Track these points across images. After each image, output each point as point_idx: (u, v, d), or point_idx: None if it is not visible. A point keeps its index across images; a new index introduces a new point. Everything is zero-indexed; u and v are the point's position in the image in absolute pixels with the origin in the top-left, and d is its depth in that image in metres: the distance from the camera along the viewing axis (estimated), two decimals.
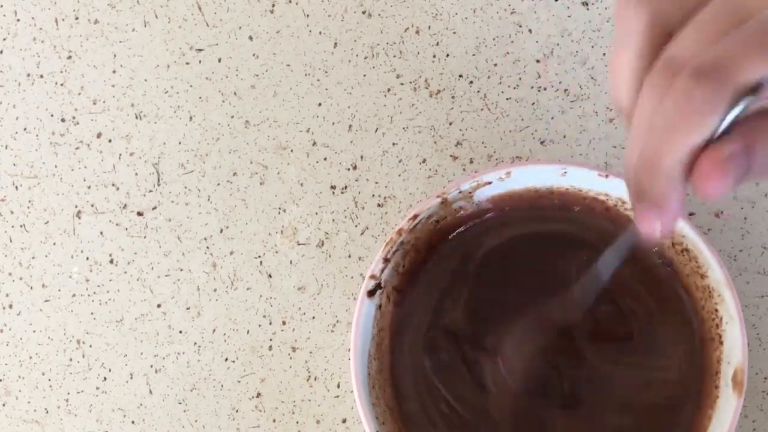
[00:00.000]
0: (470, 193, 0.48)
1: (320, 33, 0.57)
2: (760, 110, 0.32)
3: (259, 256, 0.54)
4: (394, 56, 0.56)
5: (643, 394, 0.47)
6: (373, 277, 0.47)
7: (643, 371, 0.47)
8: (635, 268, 0.48)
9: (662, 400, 0.47)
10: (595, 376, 0.47)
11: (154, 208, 0.55)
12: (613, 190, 0.48)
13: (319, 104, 0.56)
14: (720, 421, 0.44)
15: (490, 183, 0.48)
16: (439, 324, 0.49)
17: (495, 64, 0.56)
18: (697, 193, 0.32)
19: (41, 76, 0.57)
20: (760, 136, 0.32)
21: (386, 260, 0.48)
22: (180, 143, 0.56)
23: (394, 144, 0.55)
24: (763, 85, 0.30)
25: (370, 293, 0.47)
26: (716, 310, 0.46)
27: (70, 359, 0.54)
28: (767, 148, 0.32)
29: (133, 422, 0.53)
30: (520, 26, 0.56)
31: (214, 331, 0.53)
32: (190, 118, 0.56)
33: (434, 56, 0.56)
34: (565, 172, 0.48)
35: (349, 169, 0.55)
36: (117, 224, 0.55)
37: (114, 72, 0.57)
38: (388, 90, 0.56)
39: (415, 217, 0.48)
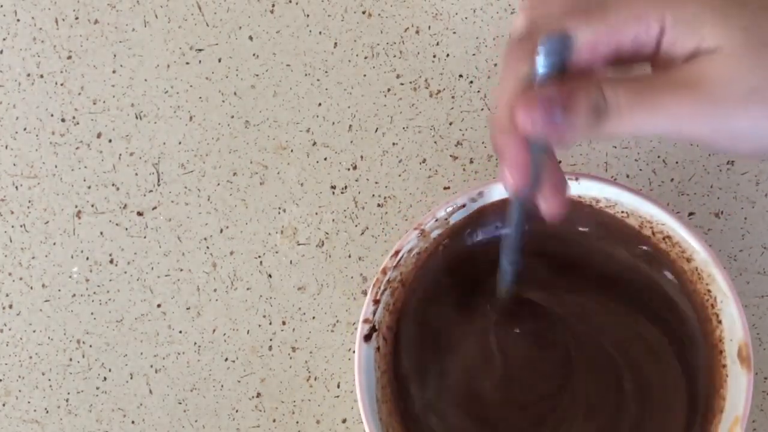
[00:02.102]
0: (446, 219, 0.48)
1: (320, 33, 0.57)
2: (584, 71, 0.38)
3: (259, 256, 0.54)
4: (394, 56, 0.56)
5: (654, 386, 0.48)
6: (366, 321, 0.47)
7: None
8: (620, 264, 0.49)
9: (671, 390, 0.47)
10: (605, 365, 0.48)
11: (154, 208, 0.55)
12: (586, 191, 0.48)
13: (319, 104, 0.56)
14: (734, 399, 0.45)
15: (463, 206, 0.48)
16: (441, 360, 0.49)
17: (495, 64, 0.56)
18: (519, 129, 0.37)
19: (41, 76, 0.57)
20: (579, 85, 0.37)
21: (376, 302, 0.47)
22: (180, 143, 0.56)
23: (394, 144, 0.55)
24: (561, 35, 0.36)
25: (367, 338, 0.47)
26: (709, 291, 0.46)
27: (70, 359, 0.54)
28: (586, 98, 0.37)
29: (133, 422, 0.53)
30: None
31: (214, 331, 0.53)
32: (190, 118, 0.56)
33: (434, 56, 0.56)
34: None
35: (349, 169, 0.55)
36: (117, 224, 0.55)
37: (114, 72, 0.57)
38: (388, 90, 0.56)
39: (397, 253, 0.48)
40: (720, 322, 0.46)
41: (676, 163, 0.54)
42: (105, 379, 0.53)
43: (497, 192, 0.48)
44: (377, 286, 0.47)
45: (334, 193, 0.55)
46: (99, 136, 0.56)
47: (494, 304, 0.48)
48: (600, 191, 0.48)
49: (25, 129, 0.56)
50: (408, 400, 0.48)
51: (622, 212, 0.48)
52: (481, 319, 0.49)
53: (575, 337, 0.49)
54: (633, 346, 0.48)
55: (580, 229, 0.49)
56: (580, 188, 0.48)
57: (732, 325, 0.45)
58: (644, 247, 0.48)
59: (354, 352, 0.47)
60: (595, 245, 0.49)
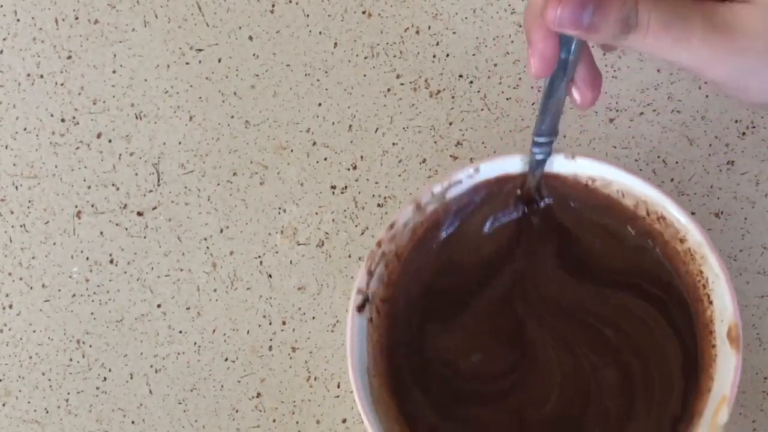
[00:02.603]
0: (443, 194, 0.48)
1: (320, 33, 0.57)
2: None
3: (259, 256, 0.54)
4: (394, 56, 0.56)
5: (642, 365, 0.48)
6: (360, 291, 0.47)
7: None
8: (615, 244, 0.49)
9: (662, 373, 0.48)
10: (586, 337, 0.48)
11: (154, 208, 0.55)
12: (582, 170, 0.48)
13: (319, 104, 0.56)
14: (722, 379, 0.45)
15: (460, 182, 0.49)
16: (431, 331, 0.49)
17: (495, 64, 0.56)
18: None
19: (41, 76, 0.57)
20: None
21: (370, 273, 0.48)
22: (180, 143, 0.56)
23: (394, 144, 0.55)
24: None
25: (360, 308, 0.47)
26: (701, 272, 0.47)
27: (70, 359, 0.54)
28: (619, 8, 0.38)
29: (133, 422, 0.53)
30: (520, 26, 0.56)
31: (214, 331, 0.53)
32: (190, 118, 0.56)
33: (434, 56, 0.56)
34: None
35: (349, 169, 0.55)
36: (117, 224, 0.55)
37: (114, 72, 0.57)
38: (388, 90, 0.56)
39: (392, 226, 0.48)
40: (711, 302, 0.46)
41: (676, 163, 0.54)
42: (105, 379, 0.53)
43: (494, 169, 0.48)
44: (372, 258, 0.48)
45: (334, 193, 0.55)
46: (99, 136, 0.56)
47: (522, 197, 0.49)
48: (596, 170, 0.48)
49: (25, 129, 0.56)
50: (399, 372, 0.48)
51: (618, 192, 0.48)
52: (476, 295, 0.49)
53: (568, 314, 0.49)
54: (628, 324, 0.48)
55: (575, 206, 0.50)
56: (577, 167, 0.48)
57: (723, 306, 0.45)
58: (638, 227, 0.49)
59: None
60: (590, 224, 0.50)
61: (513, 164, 0.48)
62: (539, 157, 0.47)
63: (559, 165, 0.48)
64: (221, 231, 0.55)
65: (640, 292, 0.49)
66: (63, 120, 0.56)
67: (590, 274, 0.49)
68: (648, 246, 0.49)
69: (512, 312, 0.49)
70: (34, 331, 0.54)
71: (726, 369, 0.44)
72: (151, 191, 0.55)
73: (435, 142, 0.55)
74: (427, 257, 0.49)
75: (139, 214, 0.55)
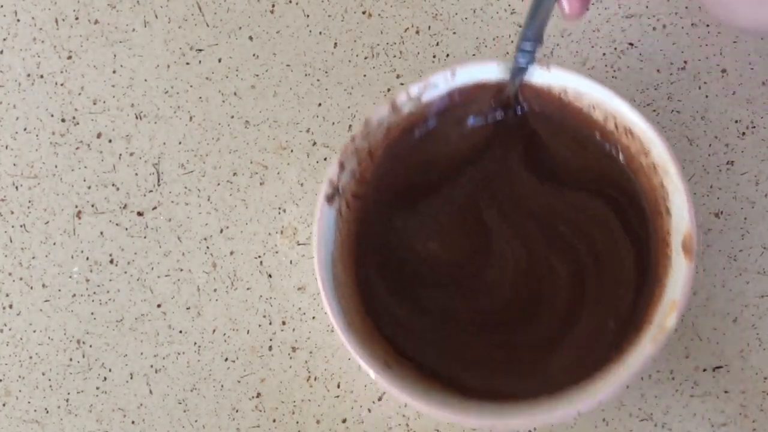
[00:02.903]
0: (419, 96, 0.49)
1: (320, 33, 0.57)
2: None
3: (259, 256, 0.54)
4: (394, 56, 0.56)
5: (595, 267, 0.49)
6: (330, 182, 0.48)
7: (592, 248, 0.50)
8: (582, 154, 0.50)
9: (616, 276, 0.49)
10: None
11: (154, 208, 0.55)
12: (556, 81, 0.49)
13: (319, 104, 0.56)
14: (673, 286, 0.46)
15: (437, 85, 0.49)
16: (398, 225, 0.50)
17: None
18: None
19: (41, 76, 0.57)
20: None
21: (342, 166, 0.49)
22: (180, 143, 0.56)
23: None
24: None
25: (329, 198, 0.48)
26: (662, 185, 0.47)
27: (70, 359, 0.54)
28: None
29: (133, 422, 0.53)
30: (520, 26, 0.56)
31: (214, 331, 0.53)
32: (190, 118, 0.56)
33: (434, 56, 0.56)
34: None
35: None
36: (117, 224, 0.55)
37: (114, 72, 0.57)
38: (388, 90, 0.56)
39: (367, 123, 0.49)
40: (669, 214, 0.47)
41: None
42: (105, 379, 0.53)
43: (471, 74, 0.49)
44: (345, 152, 0.49)
45: None
46: (99, 136, 0.56)
47: (499, 101, 0.50)
48: (569, 81, 0.49)
49: (25, 129, 0.56)
50: (364, 265, 0.49)
51: (589, 105, 0.49)
52: (444, 192, 0.51)
53: (530, 212, 0.50)
54: (586, 226, 0.49)
55: (548, 116, 0.51)
56: (551, 77, 0.49)
57: (680, 217, 0.46)
58: (607, 141, 0.50)
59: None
60: (560, 134, 0.51)
61: (490, 71, 0.49)
62: (522, 64, 0.48)
63: (535, 75, 0.49)
64: (221, 231, 0.55)
65: (601, 197, 0.50)
66: (63, 120, 0.56)
67: (556, 178, 0.50)
68: (613, 157, 0.50)
69: (476, 207, 0.50)
70: (34, 331, 0.54)
71: (678, 277, 0.46)
72: (151, 191, 0.55)
73: None
74: (400, 157, 0.50)
75: (139, 214, 0.55)
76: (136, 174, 0.56)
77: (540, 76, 0.49)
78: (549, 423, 0.50)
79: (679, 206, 0.46)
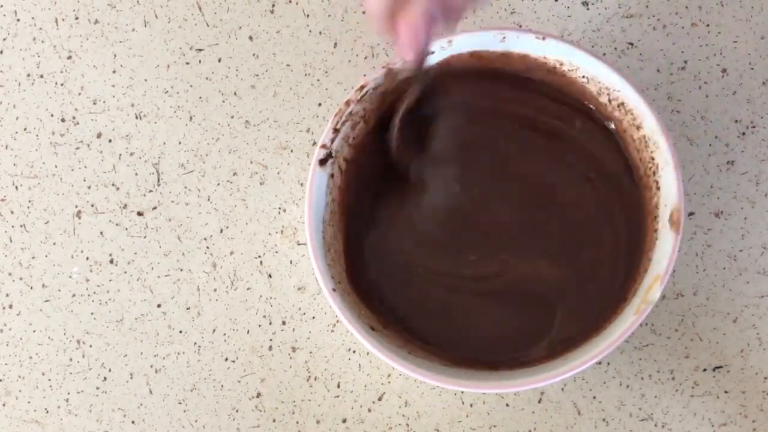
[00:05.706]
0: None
1: (320, 33, 0.57)
2: None
3: (259, 256, 0.54)
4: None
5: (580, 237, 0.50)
6: (323, 146, 0.49)
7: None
8: (579, 126, 0.51)
9: (603, 251, 0.49)
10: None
11: (154, 208, 0.55)
12: (551, 52, 0.49)
13: (319, 104, 0.56)
14: (659, 259, 0.46)
15: (433, 52, 0.49)
16: (388, 190, 0.51)
17: None
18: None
19: (41, 76, 0.57)
20: None
21: (336, 130, 0.49)
22: (180, 143, 0.56)
23: None
24: None
25: (322, 162, 0.49)
26: (652, 159, 0.48)
27: (70, 359, 0.54)
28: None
29: (133, 422, 0.53)
30: (520, 26, 0.56)
31: (214, 331, 0.53)
32: (190, 118, 0.56)
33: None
34: (504, 38, 0.50)
35: None
36: (117, 224, 0.55)
37: (114, 72, 0.57)
38: None
39: (362, 87, 0.49)
40: (659, 188, 0.47)
41: None
42: (105, 379, 0.53)
43: (467, 43, 0.50)
44: (339, 116, 0.49)
45: None
46: (99, 136, 0.56)
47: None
48: (564, 53, 0.49)
49: (25, 129, 0.56)
50: (354, 228, 0.50)
51: (583, 77, 0.50)
52: (437, 163, 0.51)
53: (523, 177, 0.51)
54: (581, 202, 0.50)
55: (541, 86, 0.51)
56: (546, 48, 0.49)
57: (669, 191, 0.47)
58: (600, 114, 0.50)
59: (360, 348, 0.47)
60: (553, 108, 0.51)
61: (485, 42, 0.50)
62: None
63: (530, 45, 0.49)
64: (221, 231, 0.55)
65: (593, 167, 0.50)
66: (63, 120, 0.56)
67: (552, 147, 0.51)
68: (605, 129, 0.50)
69: (466, 173, 0.51)
70: (34, 331, 0.54)
71: (664, 250, 0.46)
72: (151, 191, 0.55)
73: None
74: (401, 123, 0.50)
75: (139, 214, 0.55)
76: (136, 174, 0.56)
77: (535, 46, 0.49)
78: (532, 388, 0.49)
79: (669, 180, 0.47)
